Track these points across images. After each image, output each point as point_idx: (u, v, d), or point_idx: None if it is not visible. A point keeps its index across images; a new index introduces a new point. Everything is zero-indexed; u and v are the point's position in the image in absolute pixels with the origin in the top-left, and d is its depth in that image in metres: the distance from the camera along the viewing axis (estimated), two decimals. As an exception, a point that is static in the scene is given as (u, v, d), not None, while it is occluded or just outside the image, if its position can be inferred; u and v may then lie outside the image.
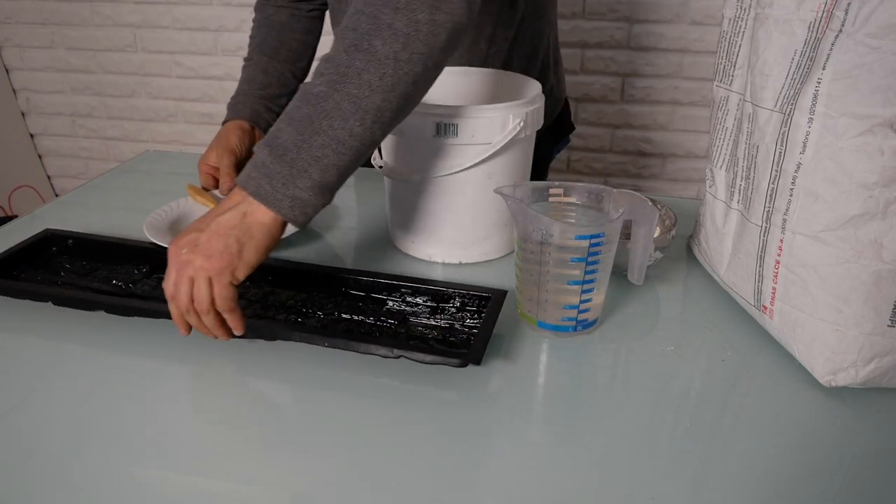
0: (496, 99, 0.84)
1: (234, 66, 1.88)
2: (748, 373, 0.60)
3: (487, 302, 0.64)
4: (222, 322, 0.58)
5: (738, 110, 0.64)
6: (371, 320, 0.65)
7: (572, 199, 0.66)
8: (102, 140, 2.11)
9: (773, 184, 0.58)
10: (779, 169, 0.57)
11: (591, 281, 0.61)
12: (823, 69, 0.52)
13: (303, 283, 0.70)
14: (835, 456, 0.51)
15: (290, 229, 0.64)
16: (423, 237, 0.77)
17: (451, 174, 0.71)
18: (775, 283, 0.59)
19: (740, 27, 0.63)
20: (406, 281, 0.68)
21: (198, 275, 0.56)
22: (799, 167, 0.55)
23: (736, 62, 0.64)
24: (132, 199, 0.92)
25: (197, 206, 0.86)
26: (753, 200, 0.61)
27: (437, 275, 0.75)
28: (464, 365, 0.56)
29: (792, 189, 0.56)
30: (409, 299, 0.68)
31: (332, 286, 0.69)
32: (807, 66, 0.54)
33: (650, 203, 0.63)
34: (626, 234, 0.65)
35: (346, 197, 0.97)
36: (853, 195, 0.52)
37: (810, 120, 0.54)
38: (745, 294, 0.64)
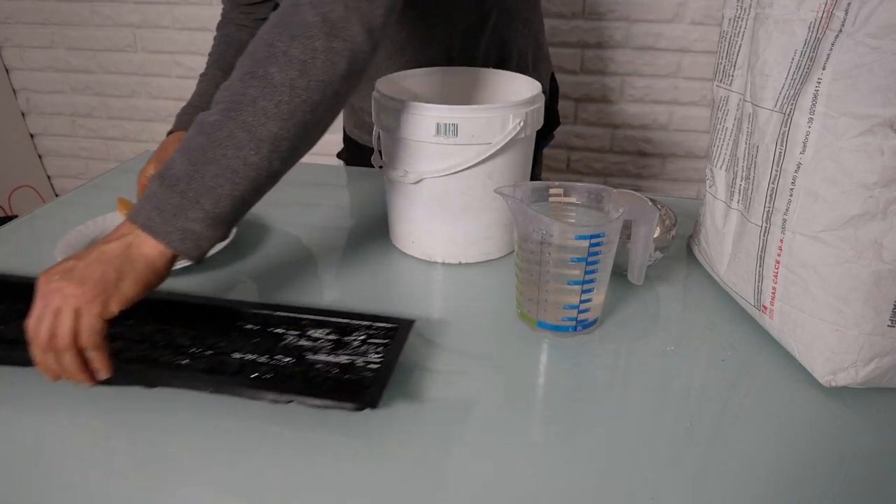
0: (495, 99, 0.84)
1: (234, 66, 1.89)
2: (748, 373, 0.60)
3: (394, 333, 0.59)
4: (84, 363, 0.51)
5: (738, 110, 0.64)
6: (265, 359, 0.59)
7: (572, 199, 0.66)
8: (102, 140, 2.11)
9: (773, 184, 0.58)
10: (779, 169, 0.57)
11: (591, 281, 0.61)
12: (823, 69, 0.52)
13: (194, 318, 0.64)
14: (835, 456, 0.51)
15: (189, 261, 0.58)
16: (422, 237, 0.77)
17: (451, 174, 0.71)
18: (775, 283, 0.59)
19: (740, 27, 0.63)
20: (305, 312, 0.62)
21: (65, 304, 0.50)
22: (799, 167, 0.55)
23: (736, 62, 0.64)
24: (132, 200, 0.92)
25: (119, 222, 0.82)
26: (753, 200, 0.61)
27: (438, 275, 0.75)
28: (360, 409, 0.50)
29: (792, 189, 0.56)
30: (308, 333, 0.62)
31: (226, 321, 0.63)
32: (807, 66, 0.54)
33: (650, 203, 0.63)
34: (626, 235, 0.65)
35: (346, 197, 0.97)
36: (853, 195, 0.52)
37: (810, 120, 0.54)
38: (745, 294, 0.64)
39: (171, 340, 0.61)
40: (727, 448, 0.52)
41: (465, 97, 0.86)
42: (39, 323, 0.51)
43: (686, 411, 0.55)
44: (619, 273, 0.70)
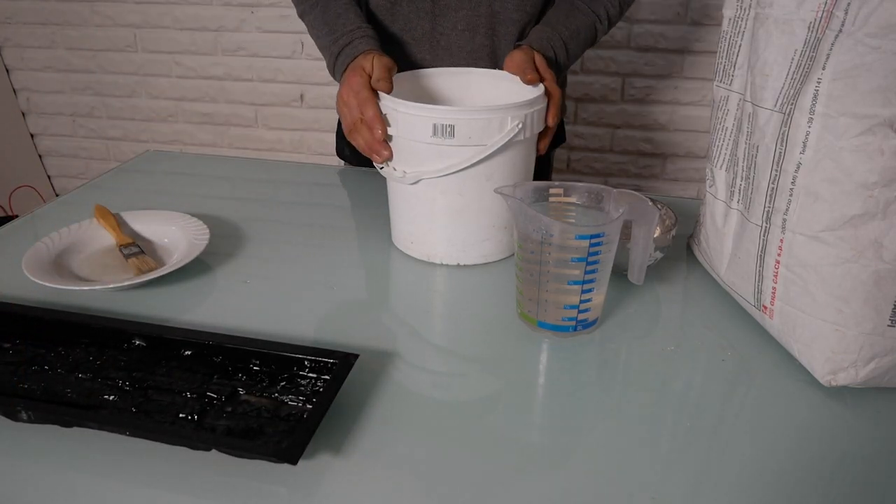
0: (498, 100, 0.84)
1: (234, 66, 1.89)
2: (748, 373, 0.60)
3: (333, 369, 0.55)
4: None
5: (738, 110, 0.64)
6: (195, 395, 0.55)
7: (572, 199, 0.66)
8: (102, 140, 2.12)
9: (773, 184, 0.58)
10: (779, 169, 0.57)
11: (592, 281, 0.61)
12: (823, 69, 0.52)
13: (131, 346, 0.61)
14: (835, 455, 0.51)
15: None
16: (421, 238, 0.77)
17: (449, 175, 0.71)
18: (775, 283, 0.59)
19: (740, 27, 0.63)
20: (240, 343, 0.58)
21: None
22: (799, 167, 0.55)
23: (736, 62, 0.64)
24: (132, 199, 0.92)
25: (95, 232, 0.80)
26: (753, 200, 0.61)
27: (437, 276, 0.75)
28: (280, 461, 0.46)
29: (792, 189, 0.56)
30: (240, 365, 0.58)
31: (158, 352, 0.60)
32: (807, 66, 0.54)
33: (650, 203, 0.63)
34: (626, 235, 0.65)
35: (347, 197, 0.97)
36: (853, 195, 0.52)
37: (810, 120, 0.54)
38: (745, 294, 0.64)
39: (100, 372, 0.58)
40: (727, 448, 0.52)
41: (467, 97, 0.86)
42: None
43: (686, 411, 0.55)
44: (619, 273, 0.70)
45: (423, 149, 0.71)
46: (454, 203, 0.73)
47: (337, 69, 0.84)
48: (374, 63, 0.77)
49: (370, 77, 0.76)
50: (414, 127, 0.70)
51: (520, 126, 0.70)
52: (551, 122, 0.77)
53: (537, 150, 0.79)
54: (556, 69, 0.86)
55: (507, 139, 0.69)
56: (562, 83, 1.05)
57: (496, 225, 0.75)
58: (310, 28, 0.92)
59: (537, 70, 0.80)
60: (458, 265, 0.77)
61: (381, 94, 0.74)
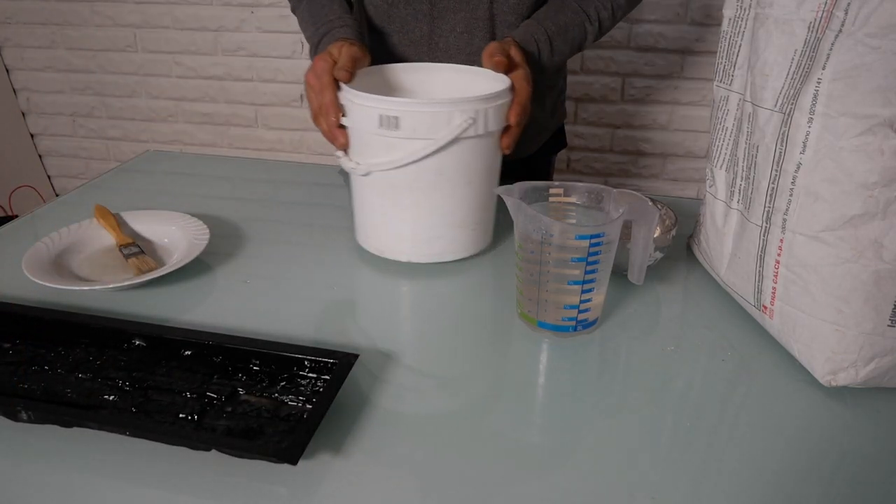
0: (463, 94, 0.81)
1: (234, 66, 1.89)
2: (748, 373, 0.60)
3: (333, 369, 0.55)
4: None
5: (738, 110, 0.64)
6: (193, 395, 0.55)
7: (572, 199, 0.66)
8: (102, 140, 2.12)
9: (773, 184, 0.58)
10: (779, 169, 0.57)
11: (592, 281, 0.61)
12: (823, 69, 0.52)
13: (130, 346, 0.61)
14: (835, 456, 0.51)
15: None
16: (373, 231, 0.76)
17: (397, 168, 0.69)
18: (775, 283, 0.59)
19: (740, 27, 0.63)
20: (240, 343, 0.58)
21: None
22: (799, 167, 0.55)
23: (736, 62, 0.64)
24: (132, 199, 0.92)
25: (95, 232, 0.80)
26: (753, 200, 0.61)
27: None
28: (279, 462, 0.46)
29: (792, 189, 0.56)
30: (240, 365, 0.58)
31: (158, 352, 0.60)
32: (807, 66, 0.54)
33: (650, 203, 0.63)
34: (626, 235, 0.65)
35: (347, 197, 0.97)
36: (853, 195, 0.52)
37: (810, 120, 0.54)
38: (745, 294, 0.64)
39: (100, 372, 0.58)
40: (727, 448, 0.52)
41: (440, 94, 0.83)
42: None
43: (686, 411, 0.55)
44: (619, 273, 0.70)
45: (372, 140, 0.70)
46: (405, 197, 0.72)
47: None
48: (343, 51, 0.75)
49: (335, 63, 0.74)
50: (363, 117, 0.69)
51: (471, 121, 0.67)
52: (513, 119, 0.72)
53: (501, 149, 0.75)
54: (537, 65, 0.83)
55: (454, 134, 0.67)
56: (560, 84, 1.05)
57: (450, 223, 0.73)
58: (300, 22, 0.93)
59: (509, 57, 0.76)
60: (409, 262, 0.75)
61: (341, 84, 0.73)
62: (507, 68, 0.75)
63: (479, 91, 0.71)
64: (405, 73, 0.84)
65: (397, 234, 0.74)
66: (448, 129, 0.67)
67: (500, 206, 0.68)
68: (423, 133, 0.67)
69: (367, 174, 0.72)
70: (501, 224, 0.80)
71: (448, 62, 0.91)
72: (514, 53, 0.77)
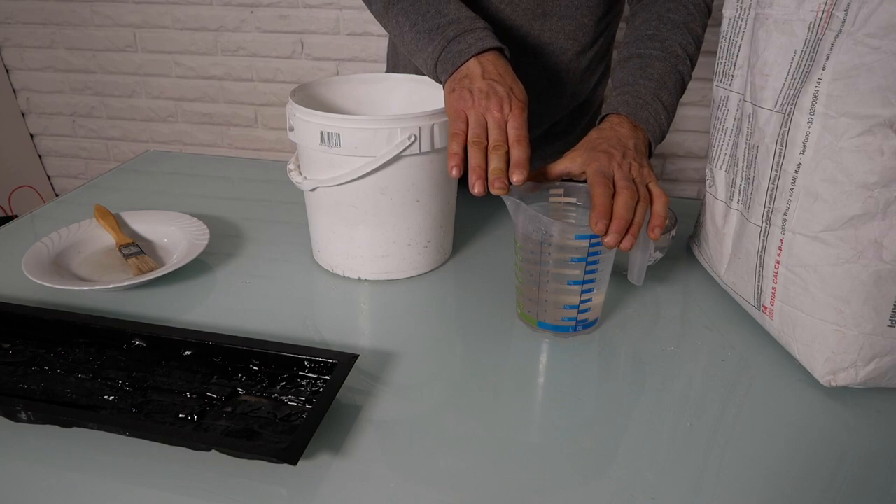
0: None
1: (234, 66, 1.88)
2: (748, 373, 0.60)
3: (333, 369, 0.55)
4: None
5: (738, 110, 0.64)
6: (193, 395, 0.55)
7: (572, 199, 0.66)
8: (102, 140, 2.11)
9: (772, 184, 0.58)
10: (779, 169, 0.57)
11: (592, 281, 0.61)
12: (823, 69, 0.52)
13: (130, 346, 0.61)
14: (835, 456, 0.51)
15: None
16: (324, 247, 0.75)
17: (340, 185, 0.69)
18: (775, 283, 0.59)
19: (740, 27, 0.63)
20: (239, 343, 0.58)
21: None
22: (799, 167, 0.55)
23: (736, 62, 0.64)
24: (132, 199, 0.92)
25: (95, 232, 0.80)
26: (753, 200, 0.61)
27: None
28: (280, 461, 0.46)
29: (792, 189, 0.56)
30: (240, 365, 0.58)
31: (157, 353, 0.60)
32: (807, 66, 0.54)
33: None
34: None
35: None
36: (853, 195, 0.52)
37: (810, 120, 0.54)
38: (745, 294, 0.64)
39: (99, 372, 0.58)
40: (727, 448, 0.52)
41: (399, 106, 0.82)
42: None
43: (686, 411, 0.55)
44: (619, 273, 0.70)
45: (316, 156, 0.69)
46: (349, 214, 0.70)
47: (450, 56, 0.69)
48: (514, 96, 0.65)
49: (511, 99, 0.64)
50: (306, 133, 0.68)
51: (412, 139, 0.66)
52: (656, 235, 0.61)
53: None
54: (659, 139, 0.73)
55: (395, 152, 0.66)
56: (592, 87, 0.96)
57: (396, 241, 0.72)
58: (401, 15, 0.75)
59: (647, 187, 0.64)
60: (360, 279, 0.74)
61: (294, 95, 0.72)
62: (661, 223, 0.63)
63: (441, 104, 0.69)
64: (364, 84, 0.82)
65: (346, 252, 0.73)
66: (389, 147, 0.66)
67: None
68: (363, 150, 0.66)
69: (313, 189, 0.71)
70: (503, 223, 0.79)
71: (559, 22, 0.85)
72: (653, 187, 0.64)
